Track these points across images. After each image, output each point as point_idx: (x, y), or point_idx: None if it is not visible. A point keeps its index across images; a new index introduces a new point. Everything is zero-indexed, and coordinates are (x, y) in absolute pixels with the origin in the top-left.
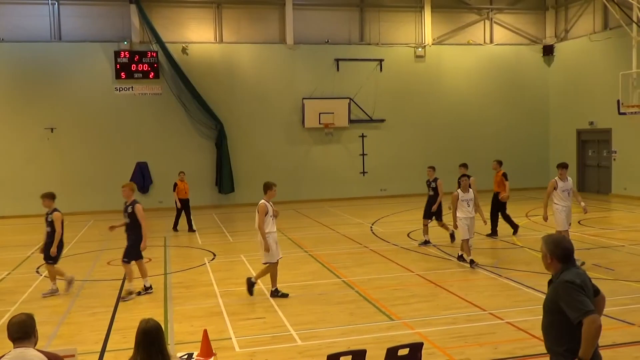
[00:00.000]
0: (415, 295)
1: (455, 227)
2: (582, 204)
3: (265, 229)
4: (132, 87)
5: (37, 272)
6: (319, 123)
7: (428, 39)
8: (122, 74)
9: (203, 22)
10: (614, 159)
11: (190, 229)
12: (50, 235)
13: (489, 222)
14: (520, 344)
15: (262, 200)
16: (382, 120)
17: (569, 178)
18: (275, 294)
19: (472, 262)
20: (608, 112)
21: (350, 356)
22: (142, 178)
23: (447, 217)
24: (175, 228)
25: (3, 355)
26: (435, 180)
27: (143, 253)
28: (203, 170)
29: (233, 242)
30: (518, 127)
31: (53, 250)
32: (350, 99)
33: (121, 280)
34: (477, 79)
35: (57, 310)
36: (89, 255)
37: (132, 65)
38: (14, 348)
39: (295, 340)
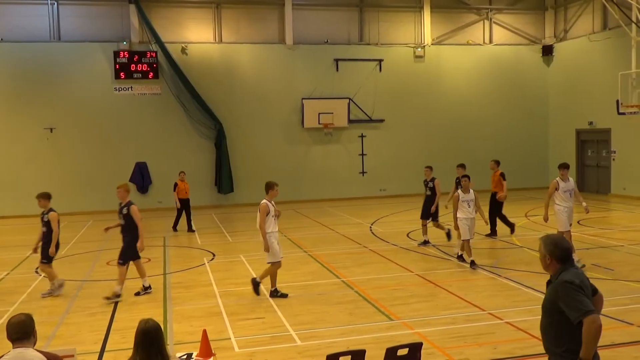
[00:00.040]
0: (415, 295)
1: (456, 227)
2: (584, 204)
3: (267, 229)
4: (131, 87)
5: (36, 272)
6: (319, 123)
7: (427, 39)
8: (122, 74)
9: (202, 22)
10: (613, 159)
11: (190, 229)
12: (46, 236)
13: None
14: (520, 344)
15: (264, 200)
16: (382, 121)
17: (570, 179)
18: (275, 294)
19: (472, 262)
20: (607, 112)
21: (350, 356)
22: (141, 178)
23: (446, 218)
24: (175, 228)
25: (2, 356)
26: (432, 180)
27: (142, 253)
28: (202, 170)
29: (232, 242)
30: (517, 127)
31: (52, 250)
32: (349, 99)
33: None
34: (477, 79)
35: (56, 311)
36: (88, 255)
37: (131, 65)
38: (13, 348)
39: (295, 341)
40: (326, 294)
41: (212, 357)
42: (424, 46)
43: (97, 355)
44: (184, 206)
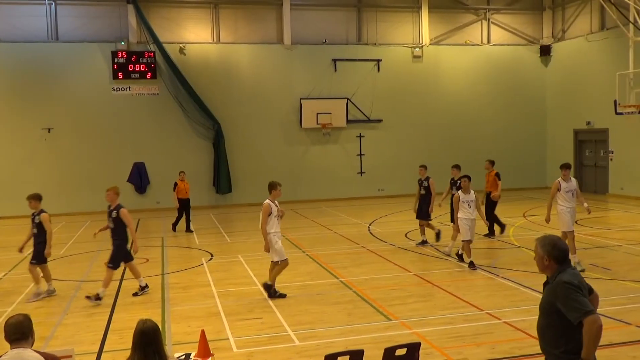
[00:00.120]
0: (413, 295)
1: (457, 229)
2: (585, 204)
3: (270, 229)
4: (129, 88)
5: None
6: (317, 123)
7: (425, 39)
8: (120, 74)
9: (200, 22)
10: (611, 159)
11: (188, 230)
12: (38, 237)
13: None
14: (518, 343)
15: (267, 200)
16: (380, 121)
17: (572, 179)
18: (273, 294)
19: (471, 263)
20: (605, 112)
21: (348, 356)
22: (139, 178)
23: (444, 218)
24: (174, 228)
25: (0, 356)
26: (427, 179)
27: (140, 253)
28: (200, 170)
29: (230, 243)
30: (515, 127)
31: (48, 251)
32: (347, 99)
33: (118, 281)
34: (475, 80)
35: (54, 311)
36: (86, 255)
37: (129, 65)
38: (11, 349)
39: (293, 341)
40: (324, 294)
41: (210, 358)
42: (422, 46)
43: (95, 355)
44: (184, 206)
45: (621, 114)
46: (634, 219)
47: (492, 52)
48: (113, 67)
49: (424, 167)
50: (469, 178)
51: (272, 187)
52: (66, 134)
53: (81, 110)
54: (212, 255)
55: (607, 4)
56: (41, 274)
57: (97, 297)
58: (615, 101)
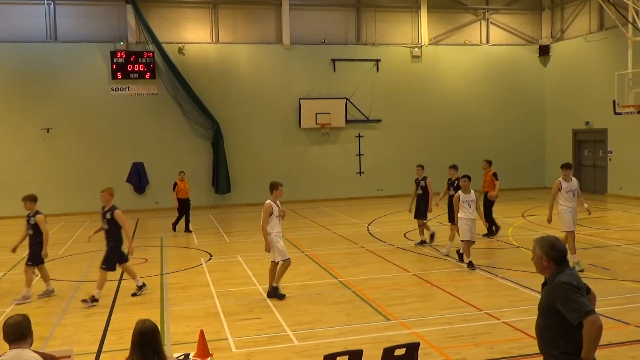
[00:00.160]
0: (412, 295)
1: (455, 229)
2: (586, 205)
3: (271, 229)
4: (128, 88)
5: (34, 273)
6: (316, 123)
7: (424, 39)
8: (119, 74)
9: (199, 22)
10: (610, 159)
11: (187, 230)
12: (34, 238)
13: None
14: (517, 343)
15: (268, 200)
16: (379, 121)
17: (573, 178)
18: (280, 296)
19: (470, 263)
20: (604, 112)
21: (347, 356)
22: (138, 178)
23: (442, 218)
24: (174, 227)
25: None
26: (424, 179)
27: (139, 254)
28: (199, 170)
29: (229, 243)
30: (514, 127)
31: (45, 252)
32: (346, 99)
33: (117, 281)
34: (474, 80)
35: (53, 311)
36: (85, 256)
37: (128, 65)
38: (10, 349)
39: (292, 341)
40: (323, 294)
41: (209, 358)
42: (421, 46)
43: (94, 355)
44: (183, 206)
45: (620, 114)
46: (633, 218)
47: (491, 52)
48: (112, 67)
49: (421, 166)
50: (469, 178)
51: (274, 187)
52: (65, 134)
53: (80, 111)
54: (211, 256)
55: (605, 4)
56: (39, 275)
57: (93, 299)
58: (614, 101)
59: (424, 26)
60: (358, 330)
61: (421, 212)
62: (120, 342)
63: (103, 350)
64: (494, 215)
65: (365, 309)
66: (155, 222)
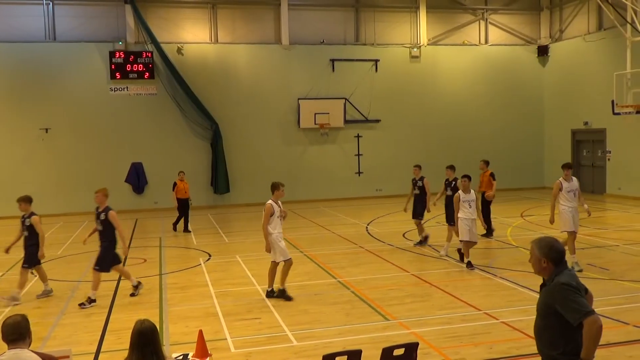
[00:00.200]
0: (411, 295)
1: (456, 231)
2: (586, 206)
3: (273, 229)
4: (127, 88)
5: (32, 273)
6: (315, 123)
7: (423, 39)
8: (117, 74)
9: (198, 22)
10: (609, 159)
11: (186, 230)
12: (29, 240)
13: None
14: (515, 343)
15: (269, 201)
16: (378, 121)
17: (574, 178)
18: (271, 294)
19: (469, 263)
20: (602, 112)
21: (346, 356)
22: (137, 178)
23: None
24: (175, 227)
25: None
26: (421, 179)
27: (137, 254)
28: (198, 170)
29: (228, 243)
30: (513, 128)
31: (41, 253)
32: (345, 99)
33: (116, 282)
34: (472, 80)
35: (52, 312)
36: (83, 256)
37: (127, 65)
38: (8, 349)
39: (291, 341)
40: (322, 294)
41: (208, 358)
42: (420, 46)
43: (93, 356)
44: (183, 206)
45: (619, 114)
46: (632, 218)
47: (489, 52)
48: (111, 67)
49: (419, 166)
50: (469, 178)
51: (275, 187)
52: (64, 134)
53: (79, 111)
54: (210, 256)
55: (604, 5)
56: (37, 276)
57: (90, 301)
58: (612, 101)
59: (423, 26)
60: (357, 330)
61: (417, 212)
62: (119, 342)
63: (102, 350)
64: (492, 216)
65: (364, 309)
66: (154, 222)
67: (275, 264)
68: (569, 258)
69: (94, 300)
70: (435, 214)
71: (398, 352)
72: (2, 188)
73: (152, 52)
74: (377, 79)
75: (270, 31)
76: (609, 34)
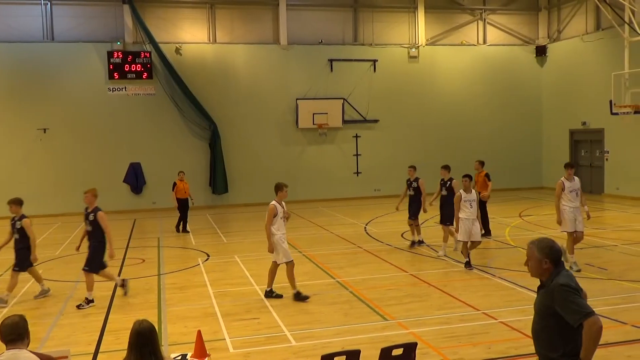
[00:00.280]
0: (409, 295)
1: (457, 230)
2: (586, 207)
3: (276, 230)
4: (125, 88)
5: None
6: (313, 123)
7: (422, 39)
8: (115, 74)
9: (196, 22)
10: (607, 159)
11: (184, 230)
12: (20, 242)
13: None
14: (514, 343)
15: (273, 202)
16: (376, 121)
17: (575, 178)
18: (270, 294)
19: (467, 263)
20: (601, 112)
21: (345, 356)
22: (135, 179)
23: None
24: (177, 229)
25: None
26: (416, 180)
27: (135, 254)
28: (197, 170)
29: (227, 243)
30: (511, 128)
31: (34, 257)
32: (344, 99)
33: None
34: (471, 80)
35: (50, 312)
36: (83, 256)
37: (125, 65)
38: (7, 350)
39: (290, 341)
40: (321, 294)
41: (206, 358)
42: (418, 47)
43: (92, 356)
44: (183, 206)
45: (617, 114)
46: (630, 218)
47: (488, 52)
48: (109, 67)
49: (414, 167)
50: (470, 177)
51: (279, 188)
52: (62, 134)
53: (77, 111)
54: (208, 256)
55: (602, 5)
56: (32, 279)
57: (88, 301)
58: (610, 101)
59: (421, 26)
60: (355, 331)
61: (411, 212)
62: (118, 342)
63: (100, 350)
64: (490, 216)
65: (363, 309)
66: (152, 223)
67: (276, 265)
68: (568, 258)
69: (92, 301)
70: (433, 214)
71: (396, 352)
72: (0, 188)
73: (150, 52)
74: (375, 79)
75: (268, 31)
76: (607, 34)
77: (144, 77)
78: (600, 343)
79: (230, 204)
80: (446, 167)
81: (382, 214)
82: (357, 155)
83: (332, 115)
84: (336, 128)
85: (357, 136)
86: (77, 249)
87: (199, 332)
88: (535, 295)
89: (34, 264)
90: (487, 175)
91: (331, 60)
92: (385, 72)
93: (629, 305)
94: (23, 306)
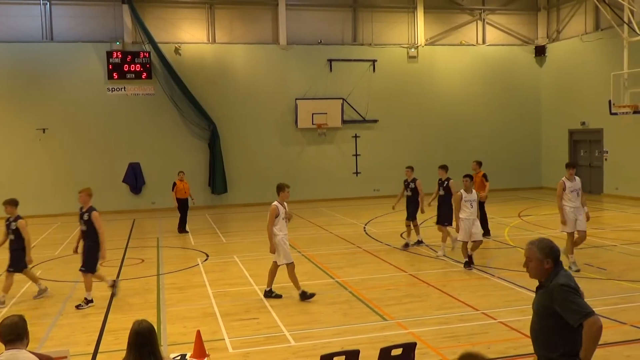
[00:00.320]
0: (408, 295)
1: (457, 229)
2: (586, 208)
3: (278, 231)
4: (124, 88)
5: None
6: (312, 123)
7: (421, 39)
8: (115, 74)
9: (196, 22)
10: (606, 159)
11: (184, 230)
12: (15, 243)
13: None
14: (513, 343)
15: (275, 202)
16: (375, 121)
17: (576, 178)
18: (269, 294)
19: (466, 263)
20: (600, 112)
21: (344, 356)
22: (134, 179)
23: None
24: (179, 229)
25: None
26: (414, 180)
27: (134, 254)
28: (196, 170)
29: (226, 243)
30: (510, 128)
31: (29, 258)
32: (343, 99)
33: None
34: (470, 80)
35: (49, 312)
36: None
37: (124, 65)
38: (6, 350)
39: (289, 341)
40: (320, 294)
41: (206, 358)
42: (418, 47)
43: (91, 356)
44: (183, 206)
45: (616, 114)
46: (629, 218)
47: (487, 52)
48: (108, 67)
49: (411, 168)
50: (471, 177)
51: (281, 189)
52: (61, 134)
53: (76, 111)
54: (207, 256)
55: (601, 5)
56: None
57: (88, 302)
58: (609, 101)
59: (421, 26)
60: (355, 331)
61: (408, 213)
62: (117, 342)
63: (99, 351)
64: (489, 216)
65: (362, 309)
66: (151, 223)
67: (276, 265)
68: (567, 258)
69: (91, 301)
70: (431, 215)
71: (396, 352)
72: None
73: (149, 52)
74: (374, 79)
75: (267, 31)
76: (606, 34)
77: (143, 77)
78: (600, 343)
79: (230, 204)
80: (443, 167)
81: (382, 214)
82: (356, 155)
83: (332, 115)
84: (335, 128)
85: (356, 136)
86: (75, 251)
87: (198, 332)
88: (534, 294)
89: (29, 266)
90: (484, 176)
91: (330, 60)
92: (384, 72)
93: (628, 305)
94: (22, 306)
